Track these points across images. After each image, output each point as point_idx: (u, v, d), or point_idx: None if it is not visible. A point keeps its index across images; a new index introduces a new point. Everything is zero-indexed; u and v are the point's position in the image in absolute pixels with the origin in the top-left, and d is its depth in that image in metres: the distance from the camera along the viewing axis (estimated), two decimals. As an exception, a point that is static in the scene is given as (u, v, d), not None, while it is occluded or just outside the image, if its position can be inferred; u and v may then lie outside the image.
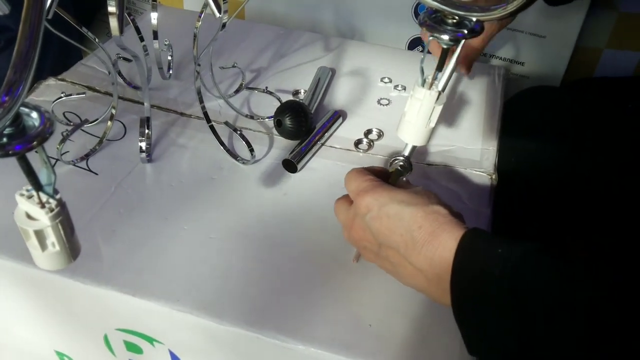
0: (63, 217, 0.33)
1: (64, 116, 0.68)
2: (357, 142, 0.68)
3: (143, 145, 0.62)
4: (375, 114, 0.73)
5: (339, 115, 0.70)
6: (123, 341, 0.55)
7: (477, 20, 0.41)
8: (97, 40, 0.62)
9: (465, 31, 0.41)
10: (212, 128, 0.64)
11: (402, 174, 0.51)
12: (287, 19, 1.00)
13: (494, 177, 0.64)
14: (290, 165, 0.63)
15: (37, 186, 0.32)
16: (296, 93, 0.76)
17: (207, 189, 0.60)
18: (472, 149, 0.68)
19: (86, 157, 0.63)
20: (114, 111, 0.64)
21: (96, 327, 0.55)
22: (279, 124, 0.65)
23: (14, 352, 0.64)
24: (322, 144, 0.67)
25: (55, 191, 0.32)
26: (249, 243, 0.55)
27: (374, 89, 0.78)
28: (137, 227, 0.56)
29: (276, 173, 0.63)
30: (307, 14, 0.98)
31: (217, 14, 0.53)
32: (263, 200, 0.60)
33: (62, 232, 0.33)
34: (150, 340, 0.53)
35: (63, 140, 0.62)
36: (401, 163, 0.50)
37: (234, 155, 0.64)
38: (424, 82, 0.45)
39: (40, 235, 0.33)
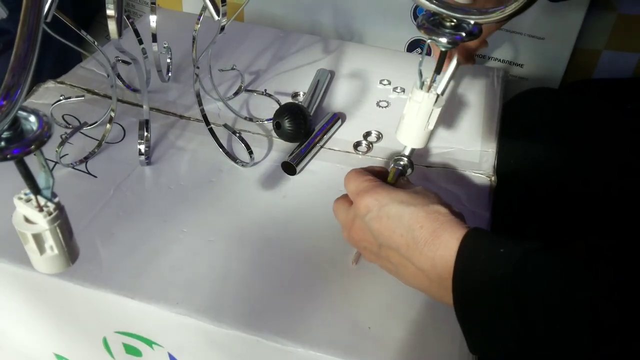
0: (61, 221, 0.33)
1: (63, 119, 0.68)
2: (356, 145, 0.68)
3: (142, 147, 0.62)
4: (374, 116, 0.73)
5: (338, 117, 0.70)
6: (122, 344, 0.55)
7: (475, 23, 0.41)
8: (96, 43, 0.62)
9: (463, 34, 0.41)
10: (211, 131, 0.64)
11: (403, 174, 0.51)
12: (286, 21, 1.00)
13: (493, 179, 0.64)
14: (290, 167, 0.63)
15: (36, 190, 0.32)
16: (295, 95, 0.76)
17: (206, 192, 0.60)
18: (471, 150, 0.68)
19: (85, 159, 0.63)
20: (113, 114, 0.64)
21: (95, 330, 0.55)
22: (278, 127, 0.66)
23: (13, 355, 0.64)
24: (321, 147, 0.67)
25: (54, 195, 0.32)
26: (248, 245, 0.55)
27: (373, 91, 0.78)
28: (136, 229, 0.56)
29: (275, 175, 0.63)
30: (306, 16, 0.98)
31: (216, 17, 0.53)
32: (262, 203, 0.60)
33: (60, 235, 0.33)
34: (149, 343, 0.53)
35: (62, 143, 0.62)
36: (402, 162, 0.50)
37: (233, 158, 0.64)
38: (422, 84, 0.45)
39: (38, 238, 0.33)
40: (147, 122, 0.63)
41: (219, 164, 0.64)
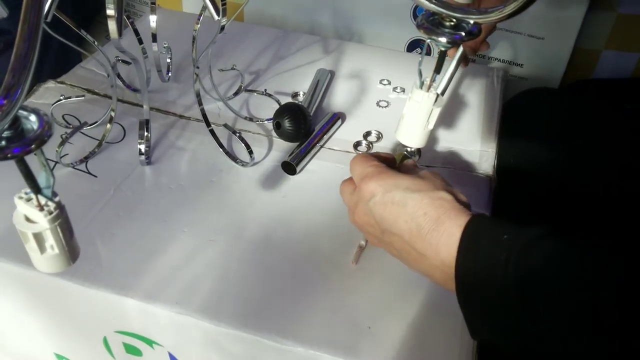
0: (62, 220, 0.33)
1: (63, 119, 0.68)
2: (356, 144, 0.68)
3: (142, 147, 0.62)
4: (374, 116, 0.73)
5: (338, 117, 0.70)
6: (122, 343, 0.55)
7: (475, 23, 0.41)
8: (96, 43, 0.62)
9: (463, 33, 0.41)
10: (211, 132, 0.64)
11: (408, 158, 0.50)
12: (286, 21, 1.00)
13: (492, 178, 0.64)
14: (289, 167, 0.63)
15: (36, 189, 0.32)
16: (295, 95, 0.76)
17: (206, 192, 0.61)
18: (471, 150, 0.68)
19: (85, 159, 0.63)
20: (113, 114, 0.64)
21: (95, 330, 0.55)
22: (278, 126, 0.66)
23: (13, 354, 0.64)
24: (321, 146, 0.67)
25: (54, 194, 0.32)
26: (248, 245, 0.55)
27: (373, 91, 0.78)
28: (136, 229, 0.56)
29: (275, 175, 0.63)
30: (305, 16, 0.98)
31: (216, 17, 0.53)
32: (262, 203, 0.60)
33: (60, 234, 0.33)
34: (150, 342, 0.53)
35: (62, 143, 0.62)
36: (409, 148, 0.50)
37: (233, 158, 0.64)
38: (422, 84, 0.45)
39: (39, 238, 0.33)
40: (147, 121, 0.63)
41: (219, 164, 0.64)
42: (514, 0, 0.37)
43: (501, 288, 0.38)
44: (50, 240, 0.33)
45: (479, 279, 0.39)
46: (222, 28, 0.58)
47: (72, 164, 0.62)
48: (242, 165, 0.64)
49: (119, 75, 0.73)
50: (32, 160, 0.30)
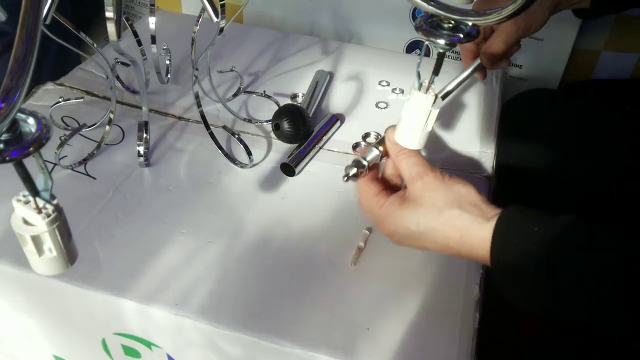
0: (60, 223, 0.33)
1: (62, 121, 0.68)
2: (355, 146, 0.68)
3: (141, 149, 0.62)
4: (373, 118, 0.73)
5: (337, 118, 0.70)
6: (121, 345, 0.55)
7: (473, 25, 0.41)
8: (95, 45, 0.62)
9: (461, 35, 0.41)
10: (211, 134, 0.64)
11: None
12: (285, 23, 1.00)
13: (492, 179, 0.64)
14: (289, 168, 0.63)
15: (34, 192, 0.32)
16: (294, 97, 0.76)
17: (205, 193, 0.61)
18: (470, 151, 0.68)
19: (84, 161, 0.63)
20: (112, 115, 0.64)
21: (94, 332, 0.55)
22: (277, 128, 0.66)
23: (12, 357, 0.64)
24: (320, 148, 0.67)
25: (52, 196, 0.32)
26: (246, 247, 0.55)
27: (372, 92, 0.78)
28: (135, 231, 0.56)
29: (274, 177, 0.63)
30: (305, 17, 0.98)
31: (215, 18, 0.53)
32: (261, 204, 0.60)
33: (59, 237, 0.33)
34: (148, 344, 0.53)
35: (61, 145, 0.62)
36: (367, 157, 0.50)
37: (232, 159, 0.64)
38: (420, 85, 0.45)
39: (37, 240, 0.33)
40: (146, 123, 0.63)
41: (218, 166, 0.64)
42: (513, 2, 0.37)
43: (533, 280, 0.40)
44: (48, 243, 0.33)
45: (512, 275, 0.42)
46: (221, 30, 0.58)
47: (71, 165, 0.62)
48: (241, 166, 0.64)
49: (118, 77, 0.73)
50: (30, 162, 0.30)
